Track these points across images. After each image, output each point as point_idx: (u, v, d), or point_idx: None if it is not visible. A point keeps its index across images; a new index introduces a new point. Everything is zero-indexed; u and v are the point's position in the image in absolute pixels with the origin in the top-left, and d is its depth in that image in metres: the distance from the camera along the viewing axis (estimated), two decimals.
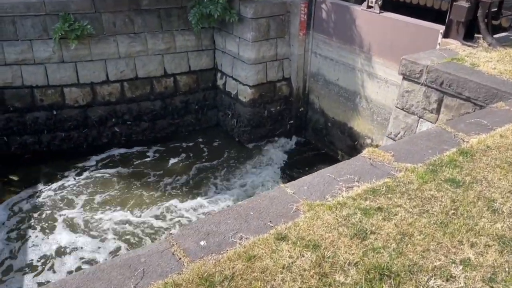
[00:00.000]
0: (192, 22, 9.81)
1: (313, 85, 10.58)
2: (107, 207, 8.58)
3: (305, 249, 2.85)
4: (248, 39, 9.73)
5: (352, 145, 9.86)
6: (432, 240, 2.94)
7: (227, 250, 2.86)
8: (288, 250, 2.84)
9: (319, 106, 10.58)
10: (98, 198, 8.82)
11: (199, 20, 9.76)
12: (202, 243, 2.94)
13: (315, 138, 10.94)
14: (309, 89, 10.71)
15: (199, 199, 8.92)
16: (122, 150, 10.37)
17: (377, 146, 9.19)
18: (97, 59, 9.88)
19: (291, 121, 11.00)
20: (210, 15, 9.53)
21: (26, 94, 9.64)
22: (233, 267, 2.70)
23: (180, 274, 2.67)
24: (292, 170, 9.95)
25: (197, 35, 10.40)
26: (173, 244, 2.93)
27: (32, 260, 7.40)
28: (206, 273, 2.64)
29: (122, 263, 2.75)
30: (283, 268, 2.70)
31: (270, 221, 3.10)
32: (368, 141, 9.52)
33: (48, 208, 8.51)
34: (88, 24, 9.30)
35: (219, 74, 11.00)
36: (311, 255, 2.79)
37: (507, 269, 2.71)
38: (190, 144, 10.74)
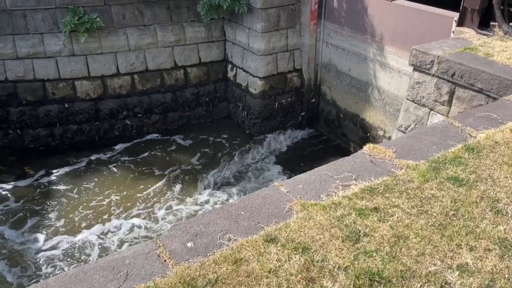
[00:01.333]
0: (201, 13, 9.71)
1: (324, 75, 10.37)
2: (116, 201, 8.63)
3: (294, 252, 2.75)
4: (257, 29, 9.57)
5: (364, 137, 9.65)
6: (429, 243, 2.80)
7: (214, 252, 2.79)
8: (276, 253, 2.75)
9: (331, 97, 10.37)
10: (108, 191, 8.88)
11: (208, 11, 9.65)
12: (189, 244, 2.87)
13: (327, 130, 10.76)
14: (321, 80, 10.51)
15: (207, 194, 8.89)
16: (133, 143, 10.39)
17: (389, 138, 8.98)
18: (107, 52, 9.87)
19: (303, 113, 10.83)
20: (219, 6, 9.40)
21: (38, 88, 9.73)
22: (218, 271, 2.62)
23: (163, 277, 2.60)
24: (303, 162, 9.81)
25: (207, 26, 10.29)
26: (159, 246, 2.86)
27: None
28: (189, 277, 2.56)
29: (105, 265, 2.70)
30: (270, 272, 2.61)
31: (259, 222, 3.01)
32: (381, 132, 9.30)
33: (58, 199, 8.63)
34: (97, 17, 9.28)
35: (229, 66, 10.89)
36: (299, 259, 2.69)
37: (506, 276, 2.56)
38: (201, 136, 10.69)
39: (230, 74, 10.92)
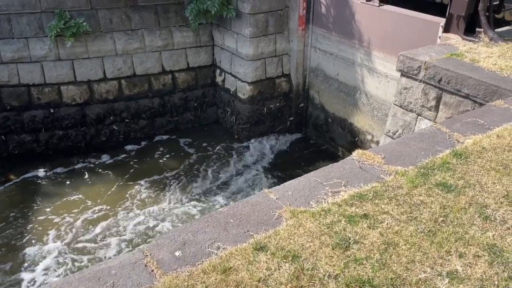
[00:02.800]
0: (189, 18, 9.68)
1: (313, 80, 10.40)
2: (101, 209, 8.51)
3: (284, 260, 2.72)
4: (246, 35, 9.57)
5: (352, 142, 9.69)
6: (418, 250, 2.79)
7: (203, 261, 2.74)
8: (266, 262, 2.71)
9: (319, 102, 10.40)
10: (93, 198, 8.76)
11: (197, 16, 9.62)
12: (177, 253, 2.82)
13: (316, 134, 10.78)
14: (309, 84, 10.54)
15: (195, 201, 8.83)
16: (121, 148, 10.28)
17: (377, 142, 9.03)
18: (94, 56, 9.78)
19: (291, 118, 10.84)
20: (207, 11, 9.38)
21: (23, 93, 9.58)
22: (207, 280, 2.58)
23: None
24: (292, 167, 9.79)
25: (195, 31, 10.25)
26: (146, 255, 2.81)
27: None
28: (177, 287, 2.52)
29: (91, 276, 2.64)
30: (259, 281, 2.58)
31: (248, 230, 2.97)
32: (369, 137, 9.35)
33: (42, 205, 8.48)
34: (84, 21, 9.18)
35: (218, 71, 10.86)
36: (289, 267, 2.66)
37: (496, 282, 2.56)
38: (189, 141, 10.63)
39: (219, 79, 10.89)
